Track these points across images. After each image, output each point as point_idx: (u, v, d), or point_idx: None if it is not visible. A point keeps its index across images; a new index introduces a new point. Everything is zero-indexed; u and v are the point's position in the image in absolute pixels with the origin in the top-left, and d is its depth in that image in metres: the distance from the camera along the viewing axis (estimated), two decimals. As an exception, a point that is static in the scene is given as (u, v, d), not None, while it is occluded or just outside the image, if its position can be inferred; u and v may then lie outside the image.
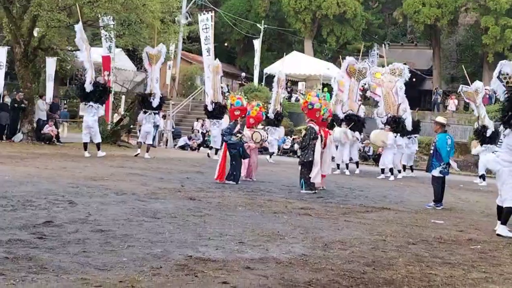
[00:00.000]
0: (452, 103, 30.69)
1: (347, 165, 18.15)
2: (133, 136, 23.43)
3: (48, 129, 19.51)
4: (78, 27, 16.10)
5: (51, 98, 23.65)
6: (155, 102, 17.53)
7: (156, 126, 19.74)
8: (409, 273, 5.27)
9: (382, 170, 17.37)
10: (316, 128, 11.58)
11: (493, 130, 16.06)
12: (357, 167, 18.76)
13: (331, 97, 21.41)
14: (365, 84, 19.49)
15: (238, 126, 12.40)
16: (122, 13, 18.08)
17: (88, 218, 6.71)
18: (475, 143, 17.75)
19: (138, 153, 17.31)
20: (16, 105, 19.17)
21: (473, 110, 18.68)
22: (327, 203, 10.00)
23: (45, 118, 20.25)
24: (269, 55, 39.39)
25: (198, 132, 25.51)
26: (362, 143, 22.20)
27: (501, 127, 7.97)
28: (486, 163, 13.40)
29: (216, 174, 12.18)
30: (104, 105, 17.24)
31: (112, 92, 21.39)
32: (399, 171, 18.10)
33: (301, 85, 33.58)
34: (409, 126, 17.66)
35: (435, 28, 35.42)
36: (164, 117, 23.77)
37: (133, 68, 33.35)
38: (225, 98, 19.68)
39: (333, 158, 15.73)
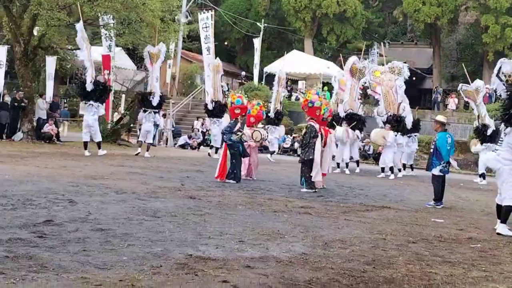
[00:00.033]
0: (452, 102, 30.68)
1: (347, 164, 18.16)
2: (133, 135, 23.44)
3: (48, 128, 19.52)
4: (79, 26, 16.11)
5: (51, 97, 23.63)
6: (155, 101, 17.54)
7: (156, 125, 19.73)
8: (409, 272, 5.26)
9: (382, 169, 17.37)
10: (317, 126, 11.57)
11: (494, 129, 16.05)
12: (358, 165, 18.77)
13: (331, 96, 21.41)
14: (365, 82, 19.49)
15: (239, 125, 12.39)
16: (122, 12, 18.07)
17: (88, 217, 6.71)
18: (475, 141, 17.76)
19: (139, 152, 17.31)
20: (16, 104, 19.17)
21: (472, 109, 18.66)
22: (327, 202, 10.00)
23: (45, 117, 20.25)
24: (269, 54, 39.40)
25: (198, 131, 25.51)
26: (363, 142, 22.20)
27: (502, 126, 7.96)
28: (486, 162, 13.41)
29: (216, 173, 12.18)
30: (104, 104, 17.26)
31: (112, 91, 21.39)
32: (399, 170, 18.11)
33: (301, 84, 33.57)
34: (409, 124, 17.66)
35: (435, 27, 35.41)
36: (164, 116, 23.76)
37: (133, 67, 33.35)
38: (225, 96, 19.69)
39: (333, 157, 15.74)
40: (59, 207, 7.22)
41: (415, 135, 18.66)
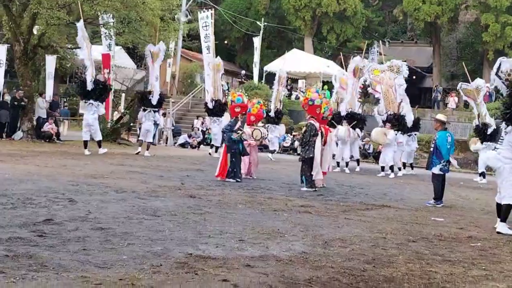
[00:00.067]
0: (452, 101, 30.67)
1: (347, 163, 18.16)
2: (133, 134, 23.43)
3: (48, 127, 19.51)
4: (80, 25, 16.10)
5: (51, 96, 23.61)
6: (154, 100, 17.53)
7: (156, 124, 19.73)
8: (409, 271, 5.26)
9: (382, 168, 17.37)
10: (317, 125, 11.57)
11: (494, 127, 16.04)
12: (358, 164, 18.78)
13: (331, 95, 21.40)
14: (365, 81, 19.48)
15: (239, 123, 12.39)
16: (122, 10, 18.06)
17: (88, 216, 6.71)
18: (474, 139, 17.76)
19: (139, 151, 17.31)
20: (16, 103, 19.16)
21: (472, 108, 18.66)
22: (327, 201, 10.00)
23: (45, 116, 20.24)
24: (269, 53, 39.39)
25: (198, 130, 25.50)
26: (362, 141, 22.20)
27: (503, 124, 7.95)
28: (486, 161, 13.39)
29: (217, 171, 12.17)
30: (104, 103, 17.26)
31: (112, 90, 21.38)
32: (399, 169, 18.10)
33: (301, 83, 33.58)
34: (409, 122, 17.66)
35: (435, 26, 35.39)
36: (164, 115, 23.76)
37: (133, 66, 33.33)
38: (226, 95, 19.68)
39: (333, 155, 15.73)
40: (59, 206, 7.21)
41: (415, 134, 18.66)
